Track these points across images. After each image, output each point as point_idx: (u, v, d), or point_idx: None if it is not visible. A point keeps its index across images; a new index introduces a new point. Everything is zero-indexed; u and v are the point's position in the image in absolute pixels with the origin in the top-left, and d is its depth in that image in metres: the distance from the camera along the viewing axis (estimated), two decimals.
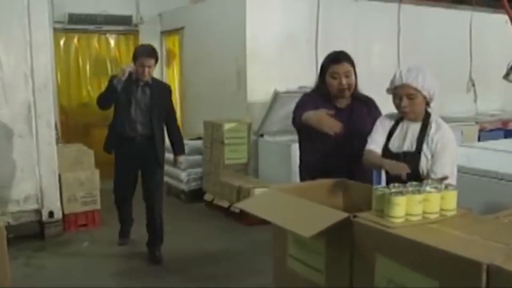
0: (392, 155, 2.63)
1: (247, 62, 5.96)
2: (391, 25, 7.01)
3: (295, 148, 5.49)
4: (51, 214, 4.88)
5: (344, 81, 3.03)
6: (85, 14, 7.23)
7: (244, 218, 5.44)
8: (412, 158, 2.56)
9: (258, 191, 5.37)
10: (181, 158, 4.77)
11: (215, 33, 6.60)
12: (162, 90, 4.40)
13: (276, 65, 6.14)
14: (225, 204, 5.69)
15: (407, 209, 1.88)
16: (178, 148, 4.65)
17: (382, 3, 6.94)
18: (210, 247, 4.81)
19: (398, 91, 2.59)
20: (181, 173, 6.33)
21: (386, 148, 2.68)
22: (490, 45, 8.09)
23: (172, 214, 5.85)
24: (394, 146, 2.67)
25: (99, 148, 5.66)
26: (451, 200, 1.96)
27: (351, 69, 3.06)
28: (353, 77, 3.08)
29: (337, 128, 2.75)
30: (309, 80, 6.35)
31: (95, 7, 7.28)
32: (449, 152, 2.53)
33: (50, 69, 4.87)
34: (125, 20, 7.56)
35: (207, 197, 6.09)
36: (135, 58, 4.19)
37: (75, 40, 7.52)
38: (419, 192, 1.91)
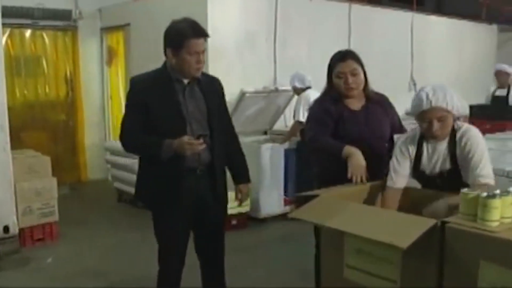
0: (426, 177, 2.54)
1: (209, 60, 5.70)
2: (342, 25, 7.08)
3: (266, 149, 5.41)
4: (6, 229, 4.36)
5: (350, 79, 2.91)
6: (20, 7, 6.56)
7: None
8: (451, 175, 2.46)
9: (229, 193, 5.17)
10: (246, 188, 3.05)
11: None
12: (215, 88, 2.86)
13: (237, 64, 5.95)
14: None
15: (501, 211, 1.82)
16: (241, 173, 3.03)
17: (335, 3, 6.99)
18: (187, 259, 4.53)
19: (427, 115, 2.42)
20: None
21: (419, 172, 2.56)
22: (428, 46, 8.46)
23: (134, 223, 5.50)
24: (426, 168, 2.54)
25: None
26: None
27: (358, 67, 2.94)
28: (361, 75, 2.96)
29: (361, 180, 2.64)
30: (269, 79, 6.32)
31: (31, 0, 6.66)
32: (484, 150, 2.42)
33: (3, 68, 4.33)
34: (63, 15, 6.98)
35: None
36: (177, 42, 2.57)
37: (6, 36, 6.81)
38: (509, 193, 1.86)
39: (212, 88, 2.81)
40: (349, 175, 2.61)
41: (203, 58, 2.62)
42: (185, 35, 2.55)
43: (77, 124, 7.47)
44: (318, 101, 3.13)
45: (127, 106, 2.76)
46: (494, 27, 10.22)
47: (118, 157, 6.29)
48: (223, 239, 2.97)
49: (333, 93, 3.00)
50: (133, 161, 6.00)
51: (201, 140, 2.54)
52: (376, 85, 3.10)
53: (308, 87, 5.45)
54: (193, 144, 2.51)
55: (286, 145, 5.57)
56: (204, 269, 3.00)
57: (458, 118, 2.51)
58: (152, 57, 6.44)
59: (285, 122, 6.49)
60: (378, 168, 2.82)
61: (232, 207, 5.06)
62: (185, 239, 2.85)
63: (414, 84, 8.17)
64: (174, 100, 2.65)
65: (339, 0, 7.08)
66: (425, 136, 2.53)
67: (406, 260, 1.97)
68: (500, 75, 6.62)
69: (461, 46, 9.33)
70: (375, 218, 2.03)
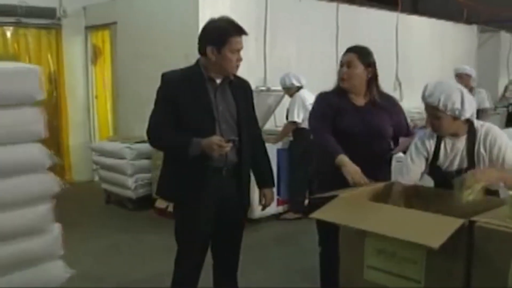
0: (443, 174, 2.52)
1: None
2: (330, 25, 7.10)
3: None
4: None
5: (344, 70, 2.91)
6: (2, 4, 6.38)
7: None
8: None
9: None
10: (270, 193, 2.93)
11: (158, 29, 6.20)
12: (245, 91, 2.81)
13: None
14: None
15: None
16: (266, 177, 2.94)
17: (323, 3, 7.01)
18: None
19: (425, 109, 2.45)
20: (127, 179, 5.86)
21: (436, 167, 2.54)
22: (412, 46, 8.54)
23: (124, 225, 5.44)
24: (443, 164, 2.52)
25: None
26: None
27: (357, 61, 2.90)
28: (358, 71, 2.91)
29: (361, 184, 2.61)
30: (259, 78, 6.28)
31: None
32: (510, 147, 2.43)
33: None
34: (47, 13, 6.83)
35: (160, 203, 5.69)
36: (220, 39, 2.55)
37: None
38: None
39: (242, 90, 2.78)
40: (350, 183, 2.59)
41: (240, 56, 2.62)
42: (228, 32, 2.55)
43: (61, 124, 7.29)
44: (322, 94, 3.11)
45: (156, 101, 2.69)
46: (474, 27, 10.40)
47: (106, 158, 6.18)
48: (241, 241, 2.91)
49: (339, 88, 3.00)
50: (121, 162, 5.93)
51: (231, 144, 2.53)
52: None
53: (301, 87, 5.44)
54: (222, 146, 2.47)
55: (279, 145, 5.55)
56: (217, 269, 2.93)
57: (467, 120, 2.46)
58: (139, 55, 6.48)
59: (275, 122, 6.47)
60: (377, 168, 2.83)
61: None
62: (206, 243, 2.79)
63: (399, 84, 8.25)
64: (206, 99, 2.62)
65: (327, 0, 7.12)
66: None
67: (431, 260, 1.97)
68: (460, 78, 6.04)
69: (443, 46, 9.46)
70: (399, 218, 2.02)
